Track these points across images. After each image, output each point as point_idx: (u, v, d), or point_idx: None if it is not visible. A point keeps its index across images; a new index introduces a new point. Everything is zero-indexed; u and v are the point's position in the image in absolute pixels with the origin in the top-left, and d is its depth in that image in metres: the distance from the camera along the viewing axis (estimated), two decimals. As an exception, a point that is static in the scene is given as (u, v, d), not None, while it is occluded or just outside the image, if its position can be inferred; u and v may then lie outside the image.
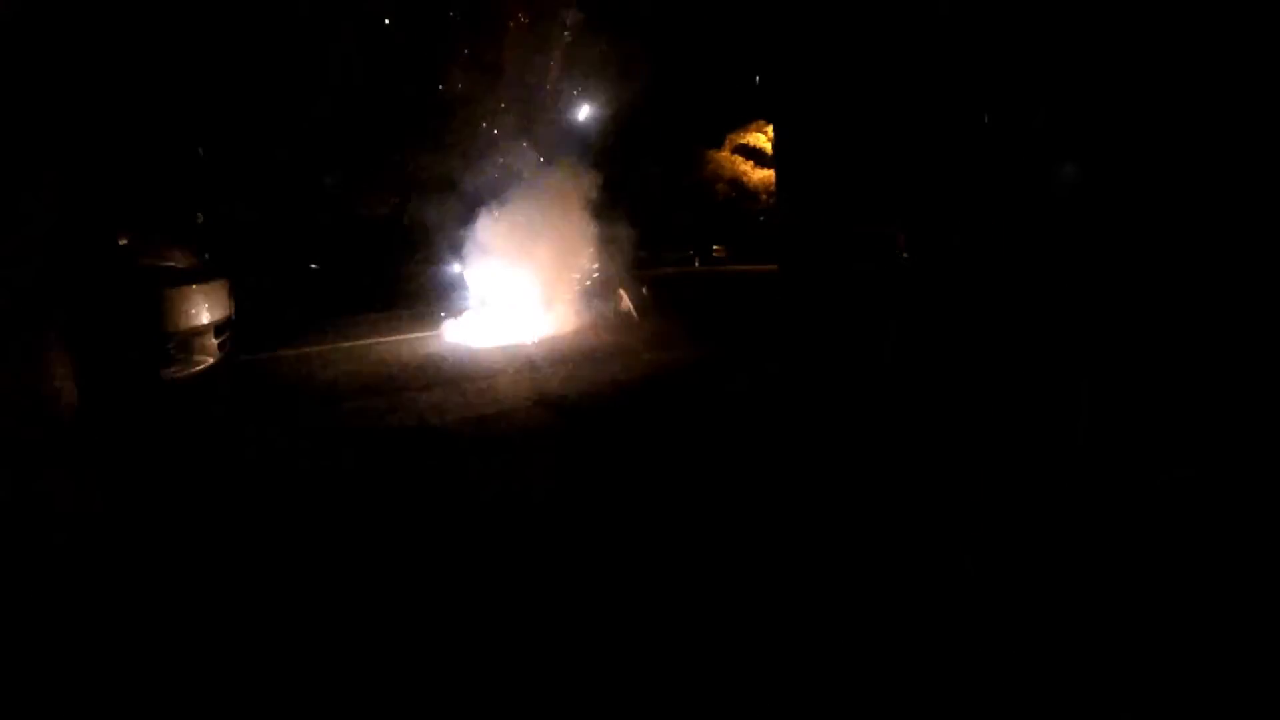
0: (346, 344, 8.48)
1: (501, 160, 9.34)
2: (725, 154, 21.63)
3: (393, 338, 8.84)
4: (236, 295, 6.29)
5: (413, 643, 2.41)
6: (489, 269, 9.12)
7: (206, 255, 6.20)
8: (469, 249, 9.14)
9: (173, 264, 5.67)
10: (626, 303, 9.38)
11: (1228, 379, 4.97)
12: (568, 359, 7.08)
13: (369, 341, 8.61)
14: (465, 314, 9.17)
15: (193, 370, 5.60)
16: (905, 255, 11.42)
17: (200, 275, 5.82)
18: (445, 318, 9.18)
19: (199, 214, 8.18)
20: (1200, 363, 5.38)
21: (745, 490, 3.62)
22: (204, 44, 8.32)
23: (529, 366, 6.84)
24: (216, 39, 8.45)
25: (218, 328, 5.88)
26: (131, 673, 2.31)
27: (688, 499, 3.53)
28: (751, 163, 21.35)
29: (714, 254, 20.66)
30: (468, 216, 9.04)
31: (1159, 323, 6.16)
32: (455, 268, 9.34)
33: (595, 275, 9.51)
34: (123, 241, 5.33)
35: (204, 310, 5.67)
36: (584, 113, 10.39)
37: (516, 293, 9.06)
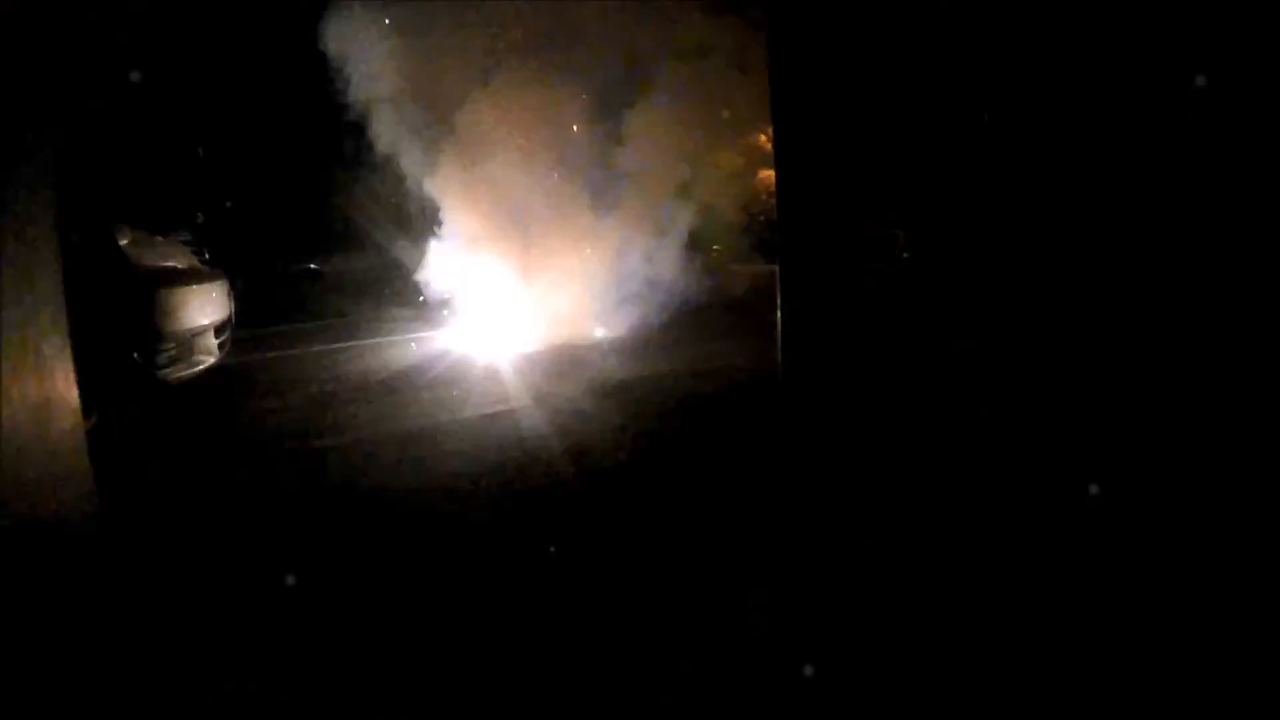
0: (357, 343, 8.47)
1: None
2: (725, 154, 21.54)
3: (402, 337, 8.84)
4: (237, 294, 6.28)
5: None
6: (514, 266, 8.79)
7: (207, 255, 6.20)
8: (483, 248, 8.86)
9: (173, 264, 5.67)
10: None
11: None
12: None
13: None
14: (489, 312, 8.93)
15: (193, 370, 5.60)
16: (905, 255, 11.35)
17: (200, 275, 5.82)
18: (454, 316, 9.04)
19: (199, 214, 8.16)
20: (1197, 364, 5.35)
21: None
22: (203, 43, 8.31)
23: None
24: (215, 38, 8.45)
25: (217, 328, 5.89)
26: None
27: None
28: (750, 163, 21.27)
29: (713, 254, 20.58)
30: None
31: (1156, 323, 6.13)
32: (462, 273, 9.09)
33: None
34: (123, 241, 5.33)
35: (204, 310, 5.67)
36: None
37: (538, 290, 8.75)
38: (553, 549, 2.99)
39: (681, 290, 9.23)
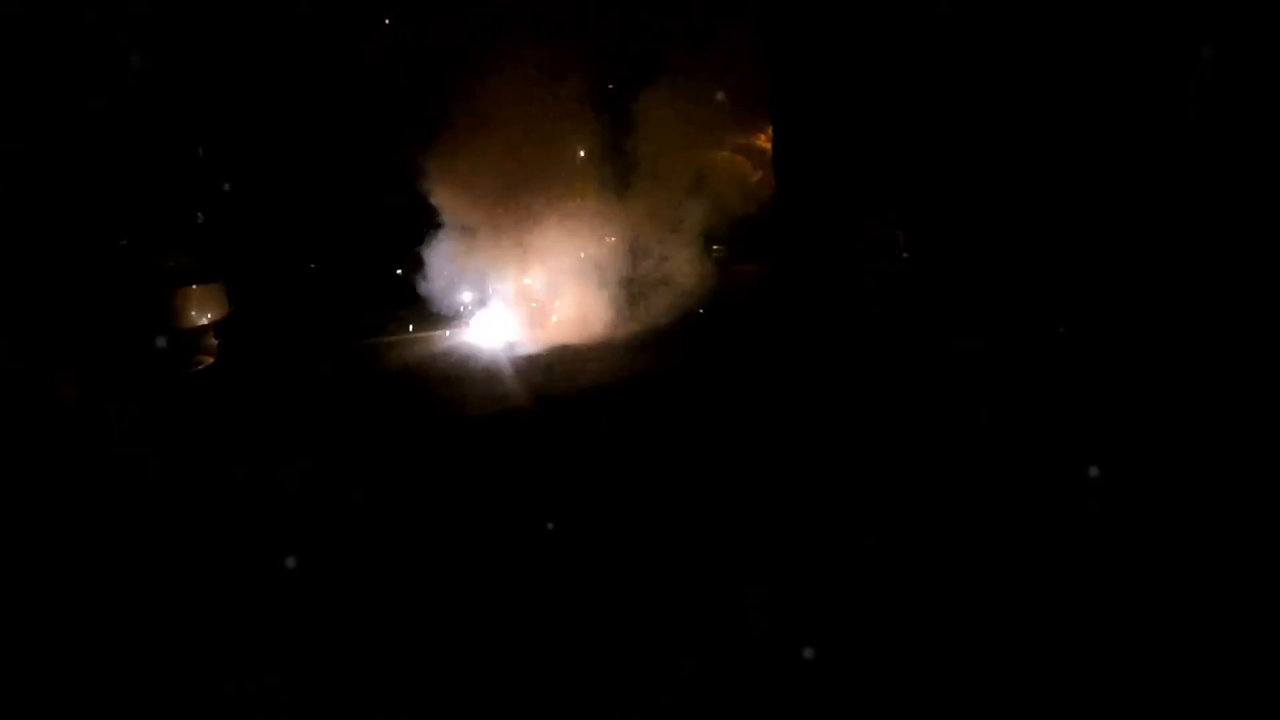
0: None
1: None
2: (725, 154, 21.50)
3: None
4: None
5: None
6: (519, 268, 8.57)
7: (206, 255, 6.21)
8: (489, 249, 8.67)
9: (173, 264, 5.69)
10: None
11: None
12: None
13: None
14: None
15: (194, 369, 5.62)
16: (905, 255, 11.35)
17: (200, 275, 5.84)
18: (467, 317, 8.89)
19: (199, 214, 8.16)
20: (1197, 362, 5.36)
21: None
22: (203, 44, 8.31)
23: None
24: (215, 38, 8.44)
25: (217, 327, 5.91)
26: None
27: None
28: (751, 163, 21.24)
29: (714, 254, 20.58)
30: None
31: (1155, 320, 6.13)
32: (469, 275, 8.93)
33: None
34: (123, 242, 5.35)
35: (204, 310, 5.69)
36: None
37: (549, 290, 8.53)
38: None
39: (693, 290, 9.12)
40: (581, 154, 8.69)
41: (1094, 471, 3.42)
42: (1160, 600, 2.45)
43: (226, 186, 8.20)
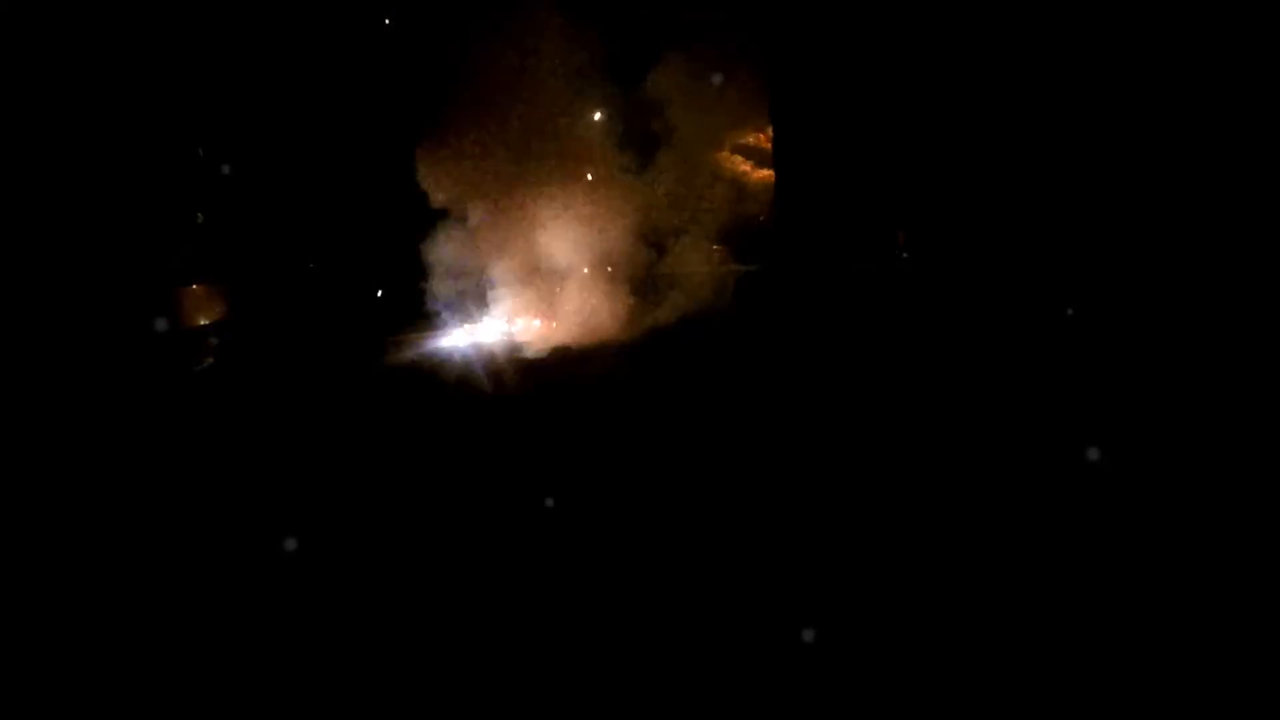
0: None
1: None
2: (724, 154, 21.46)
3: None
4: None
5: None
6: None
7: (206, 255, 6.21)
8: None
9: (172, 264, 5.70)
10: None
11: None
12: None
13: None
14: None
15: (194, 369, 5.63)
16: (905, 255, 11.33)
17: (200, 275, 5.85)
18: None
19: (199, 214, 8.15)
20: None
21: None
22: (203, 43, 8.29)
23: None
24: (216, 38, 8.42)
25: (217, 327, 5.92)
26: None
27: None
28: (751, 163, 21.19)
29: (715, 252, 20.55)
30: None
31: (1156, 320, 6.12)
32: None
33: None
34: (123, 242, 5.34)
35: (204, 310, 5.71)
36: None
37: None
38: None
39: (703, 292, 9.05)
40: (593, 139, 8.45)
41: (1094, 455, 3.41)
42: (1165, 595, 2.45)
43: (225, 186, 8.17)
